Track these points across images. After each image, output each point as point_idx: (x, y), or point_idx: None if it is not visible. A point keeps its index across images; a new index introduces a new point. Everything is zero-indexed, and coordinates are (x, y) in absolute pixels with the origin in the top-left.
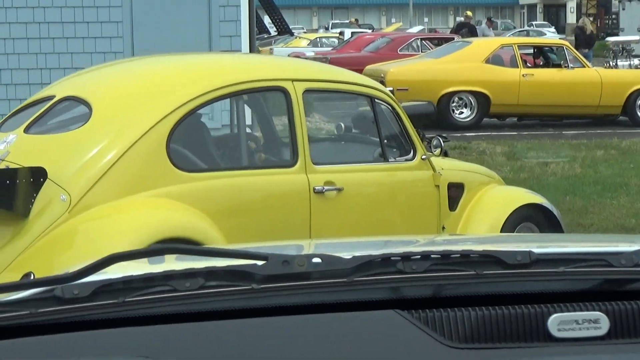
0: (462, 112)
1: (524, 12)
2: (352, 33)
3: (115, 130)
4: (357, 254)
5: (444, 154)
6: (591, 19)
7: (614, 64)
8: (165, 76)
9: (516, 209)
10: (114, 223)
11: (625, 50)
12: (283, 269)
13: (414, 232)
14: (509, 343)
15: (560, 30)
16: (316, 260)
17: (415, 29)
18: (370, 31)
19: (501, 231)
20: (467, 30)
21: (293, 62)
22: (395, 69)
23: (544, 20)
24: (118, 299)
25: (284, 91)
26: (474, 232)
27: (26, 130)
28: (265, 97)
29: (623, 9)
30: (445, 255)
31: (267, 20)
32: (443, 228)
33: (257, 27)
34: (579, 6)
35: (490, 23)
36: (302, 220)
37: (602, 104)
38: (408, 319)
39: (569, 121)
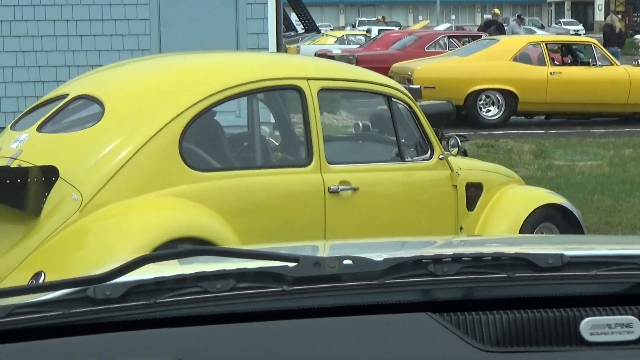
0: (489, 110)
1: (551, 10)
2: (379, 30)
3: (127, 129)
4: (382, 255)
5: (463, 153)
6: (619, 16)
7: None
8: (179, 75)
9: (536, 209)
10: (126, 222)
11: None
12: (314, 270)
13: (431, 232)
14: (541, 347)
15: (588, 27)
16: (347, 262)
17: (443, 27)
18: (397, 29)
19: (520, 231)
20: (495, 27)
21: (308, 61)
22: (422, 66)
23: (571, 17)
24: (150, 300)
25: (298, 90)
26: (492, 233)
27: (39, 129)
28: (280, 96)
29: None
30: (477, 258)
31: (294, 17)
32: (461, 228)
33: (284, 25)
34: (607, 3)
35: (520, 20)
36: (317, 221)
37: (631, 102)
38: (440, 322)
39: (597, 119)
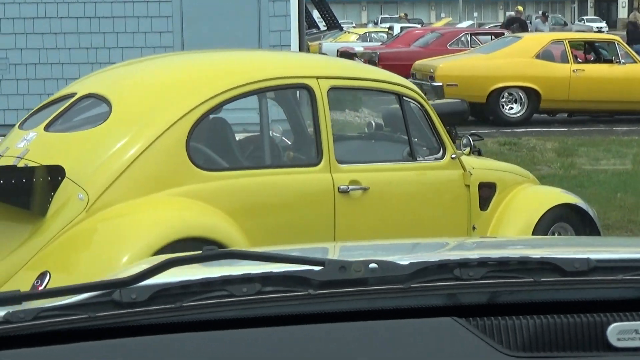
0: (512, 108)
1: (574, 7)
2: (402, 28)
3: (134, 128)
4: (405, 259)
5: (477, 152)
6: None
7: None
8: (186, 74)
9: (550, 209)
10: (132, 222)
11: None
12: (340, 274)
13: (442, 233)
14: (567, 352)
15: (612, 24)
16: (373, 265)
17: (465, 24)
18: (419, 26)
19: (534, 231)
20: (518, 25)
21: (318, 59)
22: (444, 64)
23: (594, 14)
24: (175, 304)
25: (308, 89)
26: (505, 233)
27: (46, 128)
28: (290, 94)
29: None
30: (503, 262)
31: (316, 14)
32: (474, 228)
33: (306, 22)
34: (630, 0)
35: (545, 18)
36: (326, 221)
37: None
38: (466, 327)
39: (620, 117)
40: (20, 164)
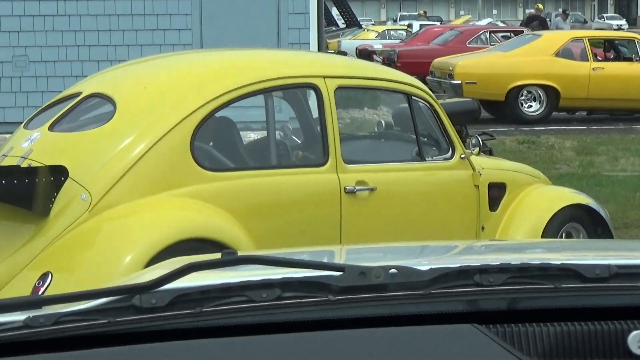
0: (530, 106)
1: (594, 4)
2: (421, 25)
3: (138, 128)
4: (425, 264)
5: (489, 152)
6: None
7: None
8: (191, 73)
9: (561, 209)
10: (135, 223)
11: None
12: (360, 280)
13: (451, 233)
14: None
15: (632, 22)
16: (393, 271)
17: (484, 22)
18: (438, 24)
19: (544, 232)
20: (538, 22)
21: (326, 59)
22: (463, 62)
23: (614, 12)
24: (195, 309)
25: (315, 88)
26: (515, 233)
27: (51, 128)
28: (296, 94)
29: None
30: (523, 268)
31: (335, 12)
32: (483, 228)
33: (325, 20)
34: None
35: (565, 15)
36: (332, 222)
37: None
38: (486, 334)
39: None
40: (24, 164)
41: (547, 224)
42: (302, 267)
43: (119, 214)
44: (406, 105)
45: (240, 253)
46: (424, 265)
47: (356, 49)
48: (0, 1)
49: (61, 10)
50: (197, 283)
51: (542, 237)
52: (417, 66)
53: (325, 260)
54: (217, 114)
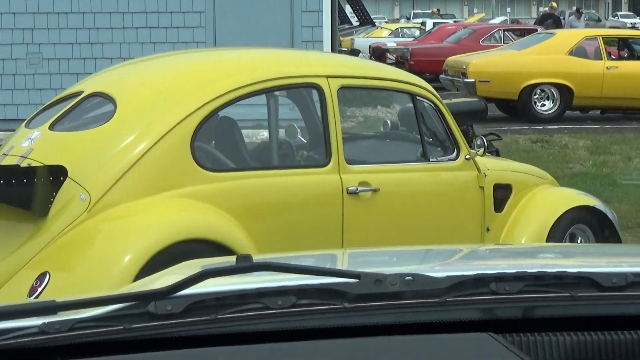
0: (544, 105)
1: (608, 2)
2: (434, 23)
3: (137, 128)
4: (440, 269)
5: (496, 153)
6: None
7: None
8: (192, 73)
9: (568, 211)
10: (133, 224)
11: None
12: (375, 287)
13: (455, 235)
14: None
15: None
16: (409, 278)
17: (498, 20)
18: (452, 22)
19: (550, 234)
20: (552, 21)
21: (329, 58)
22: (477, 60)
23: (628, 10)
24: (210, 316)
25: (317, 88)
26: (520, 235)
27: (51, 127)
28: (298, 94)
29: None
30: (539, 276)
31: (348, 10)
32: (488, 230)
33: (338, 17)
34: None
35: (579, 14)
36: (334, 223)
37: None
38: (502, 343)
39: None
40: (24, 164)
41: (553, 225)
42: (317, 274)
43: (118, 215)
44: (410, 105)
45: (255, 259)
46: (438, 271)
47: (369, 46)
48: None
49: (75, 8)
50: (212, 289)
51: (548, 239)
52: (431, 64)
53: (336, 265)
54: (218, 114)
